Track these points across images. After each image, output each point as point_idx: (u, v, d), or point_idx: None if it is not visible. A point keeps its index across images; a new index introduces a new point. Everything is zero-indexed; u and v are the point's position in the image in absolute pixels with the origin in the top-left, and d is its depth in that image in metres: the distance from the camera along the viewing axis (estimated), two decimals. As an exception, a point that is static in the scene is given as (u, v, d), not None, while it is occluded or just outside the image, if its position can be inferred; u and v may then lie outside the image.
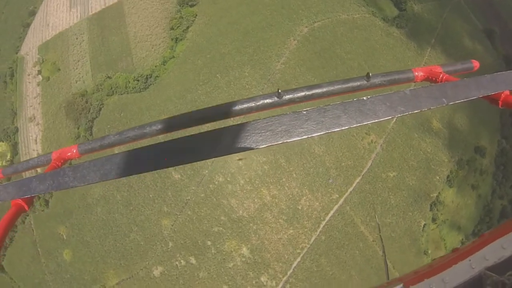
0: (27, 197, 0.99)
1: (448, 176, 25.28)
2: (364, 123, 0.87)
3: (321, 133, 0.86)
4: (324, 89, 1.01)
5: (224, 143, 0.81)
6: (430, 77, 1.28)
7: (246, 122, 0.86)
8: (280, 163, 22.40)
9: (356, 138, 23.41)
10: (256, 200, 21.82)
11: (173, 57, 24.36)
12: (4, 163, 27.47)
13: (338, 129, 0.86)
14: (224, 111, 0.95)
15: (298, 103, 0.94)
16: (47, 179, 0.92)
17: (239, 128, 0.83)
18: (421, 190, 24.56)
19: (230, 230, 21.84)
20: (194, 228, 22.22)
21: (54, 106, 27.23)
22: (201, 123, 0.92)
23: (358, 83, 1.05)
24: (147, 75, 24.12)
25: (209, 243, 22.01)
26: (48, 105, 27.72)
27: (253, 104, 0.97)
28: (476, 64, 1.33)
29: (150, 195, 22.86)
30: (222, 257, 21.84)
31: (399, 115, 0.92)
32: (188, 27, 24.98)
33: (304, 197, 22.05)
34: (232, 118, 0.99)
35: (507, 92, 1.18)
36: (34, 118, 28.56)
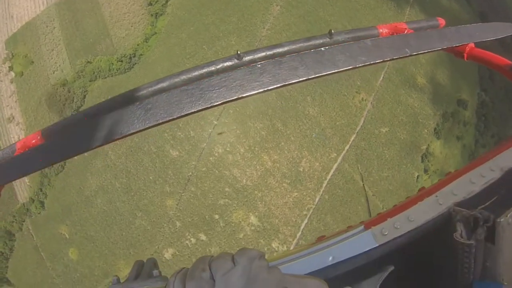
0: None
1: (435, 129, 26.66)
2: (323, 74, 0.84)
3: (278, 86, 0.82)
4: (286, 48, 0.98)
5: (180, 104, 0.80)
6: (395, 34, 1.24)
7: (200, 80, 0.83)
8: (277, 128, 22.65)
9: (348, 97, 23.99)
10: (258, 167, 22.08)
11: (155, 33, 23.47)
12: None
13: (295, 81, 0.82)
14: (184, 77, 0.92)
15: (259, 63, 0.90)
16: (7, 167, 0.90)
17: (193, 88, 0.81)
18: (412, 143, 25.81)
19: (236, 200, 22.07)
20: (199, 204, 22.25)
21: (33, 102, 25.67)
22: (162, 92, 0.88)
23: (321, 41, 1.02)
24: (130, 55, 23.18)
25: (216, 216, 22.18)
26: (26, 101, 26.08)
27: (213, 68, 0.93)
28: (441, 21, 1.29)
29: (150, 177, 22.49)
30: (231, 229, 22.13)
31: (360, 65, 0.88)
32: (167, 1, 24.00)
33: (304, 159, 22.57)
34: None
35: (472, 44, 1.14)
36: (13, 118, 26.85)
